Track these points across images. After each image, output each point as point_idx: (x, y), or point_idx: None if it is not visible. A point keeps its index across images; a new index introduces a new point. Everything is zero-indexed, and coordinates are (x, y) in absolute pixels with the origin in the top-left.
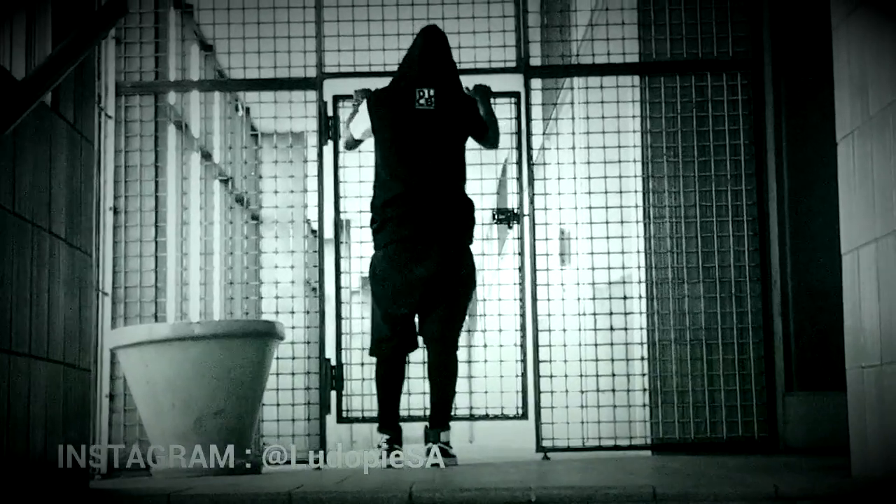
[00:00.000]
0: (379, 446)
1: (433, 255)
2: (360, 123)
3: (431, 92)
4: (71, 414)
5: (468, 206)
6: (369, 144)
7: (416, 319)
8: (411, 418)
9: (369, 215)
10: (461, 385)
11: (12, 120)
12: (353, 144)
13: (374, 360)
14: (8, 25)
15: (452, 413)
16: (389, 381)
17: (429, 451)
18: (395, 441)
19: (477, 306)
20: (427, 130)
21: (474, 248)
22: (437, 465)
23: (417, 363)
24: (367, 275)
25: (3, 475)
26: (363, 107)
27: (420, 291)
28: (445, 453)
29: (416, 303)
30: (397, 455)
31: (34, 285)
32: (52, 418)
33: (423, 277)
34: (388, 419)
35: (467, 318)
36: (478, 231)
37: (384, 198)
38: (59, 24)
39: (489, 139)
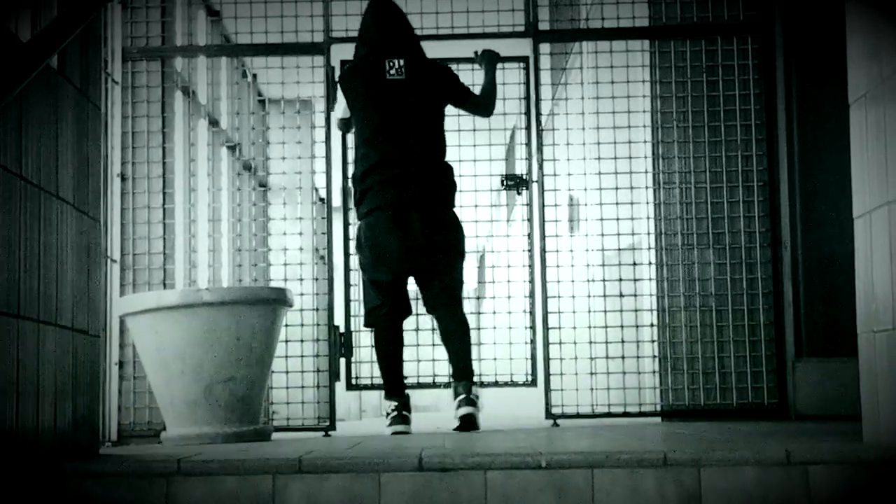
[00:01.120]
0: (387, 414)
1: (415, 222)
2: (340, 103)
3: (401, 62)
4: (80, 380)
5: (446, 170)
6: None
7: (409, 287)
8: (420, 385)
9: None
10: None
11: (18, 82)
12: (344, 126)
13: None
14: None
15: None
16: (389, 348)
17: (461, 403)
18: (403, 408)
19: (485, 273)
20: (400, 100)
21: (480, 214)
22: (470, 415)
23: (425, 330)
24: None
25: (12, 440)
26: (339, 88)
27: (405, 259)
28: (474, 404)
29: (403, 269)
30: (406, 422)
31: (42, 250)
32: (61, 384)
33: (407, 246)
34: (394, 386)
35: (473, 283)
36: (486, 197)
37: (362, 168)
38: None
39: (481, 105)
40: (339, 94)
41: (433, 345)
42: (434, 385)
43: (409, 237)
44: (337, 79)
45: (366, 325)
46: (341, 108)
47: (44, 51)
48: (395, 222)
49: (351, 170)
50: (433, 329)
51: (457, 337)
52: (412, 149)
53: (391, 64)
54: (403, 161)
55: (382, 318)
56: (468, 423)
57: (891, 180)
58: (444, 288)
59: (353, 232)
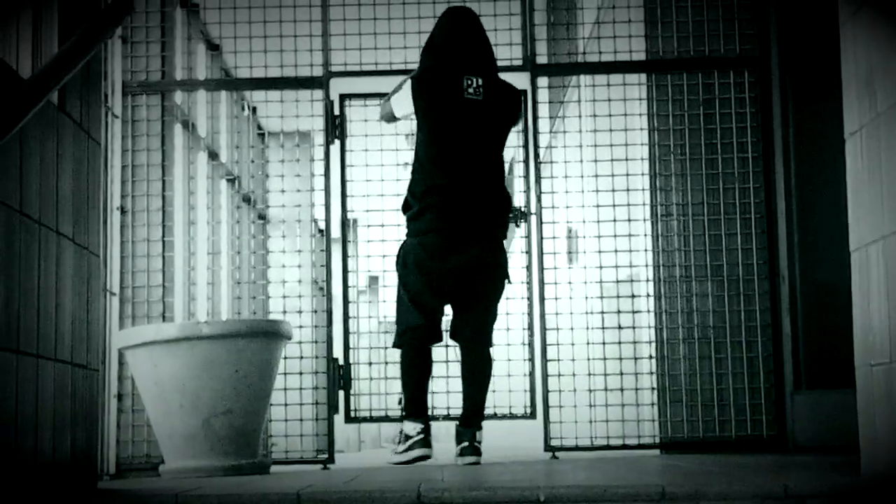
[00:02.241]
0: (405, 437)
1: (471, 249)
2: (403, 103)
3: (480, 81)
4: (79, 414)
5: (507, 202)
6: (374, 142)
7: (446, 314)
8: (433, 417)
9: (404, 199)
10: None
11: (19, 119)
12: (391, 120)
13: (383, 357)
14: (14, 23)
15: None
16: (418, 369)
17: (462, 450)
18: (426, 432)
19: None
20: (474, 121)
21: None
22: (474, 464)
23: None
24: (374, 274)
25: (11, 475)
26: (407, 86)
27: (453, 284)
28: (478, 452)
29: (447, 294)
30: (430, 446)
31: (42, 285)
32: (60, 418)
33: (459, 270)
34: (420, 407)
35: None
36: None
37: (426, 185)
38: (65, 22)
39: (516, 124)
40: (404, 93)
41: (446, 377)
42: (449, 418)
43: (462, 265)
44: (411, 77)
45: (397, 344)
46: (402, 110)
47: (44, 88)
48: (452, 247)
49: (352, 202)
50: (447, 361)
51: (479, 379)
52: (478, 174)
53: (469, 82)
54: (468, 186)
55: (417, 339)
56: None
57: (887, 214)
58: (479, 321)
59: (357, 264)
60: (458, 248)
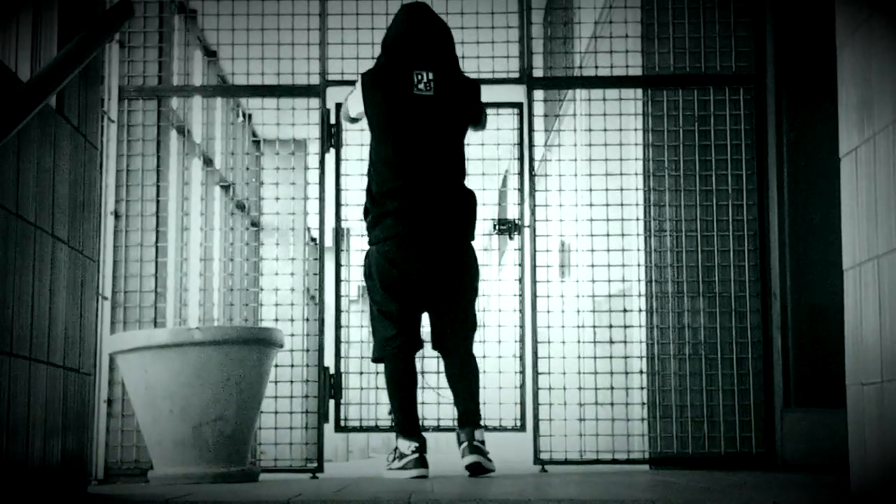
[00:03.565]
0: (400, 455)
1: (435, 254)
2: (356, 102)
3: (430, 76)
4: (70, 418)
5: (470, 199)
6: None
7: (422, 320)
8: (440, 429)
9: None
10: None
11: (17, 122)
12: (350, 120)
13: (373, 368)
14: (14, 26)
15: (452, 424)
16: (404, 382)
17: (465, 451)
18: (422, 450)
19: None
20: (426, 118)
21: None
22: (477, 464)
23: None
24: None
25: (1, 479)
26: (358, 84)
27: (421, 292)
28: (480, 451)
29: (415, 302)
30: (426, 465)
31: (36, 288)
32: (51, 422)
33: (425, 277)
34: (413, 425)
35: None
36: (479, 242)
37: (379, 190)
38: (65, 25)
39: (482, 126)
40: (357, 92)
41: (435, 388)
42: (439, 429)
43: (425, 269)
44: (359, 75)
45: (375, 358)
46: (354, 109)
47: (43, 91)
48: (412, 252)
49: (346, 211)
50: (438, 372)
51: (465, 380)
52: (435, 173)
53: (420, 77)
54: (425, 186)
55: (395, 351)
56: (477, 471)
57: (881, 234)
58: (457, 327)
59: (349, 273)
60: (420, 254)
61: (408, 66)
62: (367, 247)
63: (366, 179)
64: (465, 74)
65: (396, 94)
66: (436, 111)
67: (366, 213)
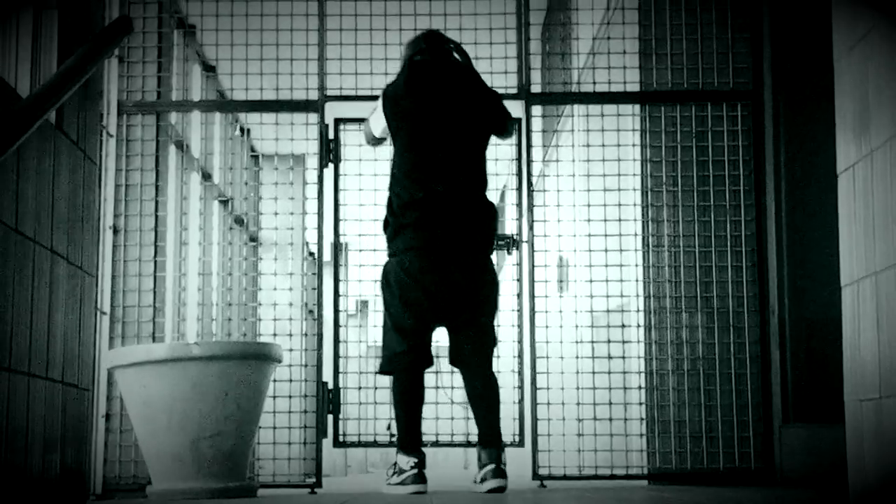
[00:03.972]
0: (399, 471)
1: (455, 266)
2: (378, 120)
3: (454, 88)
4: (69, 433)
5: (491, 212)
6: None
7: (438, 334)
8: (438, 444)
9: (383, 219)
10: (457, 410)
11: (16, 137)
12: (375, 142)
13: (372, 382)
14: (14, 41)
15: (450, 439)
16: (410, 397)
17: (486, 474)
18: (421, 465)
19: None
20: (447, 129)
21: None
22: (499, 489)
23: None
24: (365, 299)
25: (0, 494)
26: (379, 102)
27: (439, 305)
28: (504, 475)
29: (433, 317)
30: (425, 481)
31: (35, 303)
32: (50, 437)
33: (444, 289)
34: (415, 440)
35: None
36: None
37: (401, 201)
38: (64, 41)
39: (509, 132)
40: (378, 112)
41: (445, 402)
42: (452, 444)
43: (445, 283)
44: (381, 94)
45: (382, 371)
46: (380, 128)
47: (42, 106)
48: (433, 265)
49: (344, 226)
50: (451, 387)
51: (487, 398)
52: (457, 185)
53: (442, 90)
54: (447, 199)
55: (406, 364)
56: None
57: (879, 250)
58: (477, 342)
59: (347, 288)
60: (440, 266)
61: (431, 81)
62: (364, 261)
63: (363, 195)
64: (489, 87)
65: (419, 108)
66: (458, 123)
67: (385, 224)
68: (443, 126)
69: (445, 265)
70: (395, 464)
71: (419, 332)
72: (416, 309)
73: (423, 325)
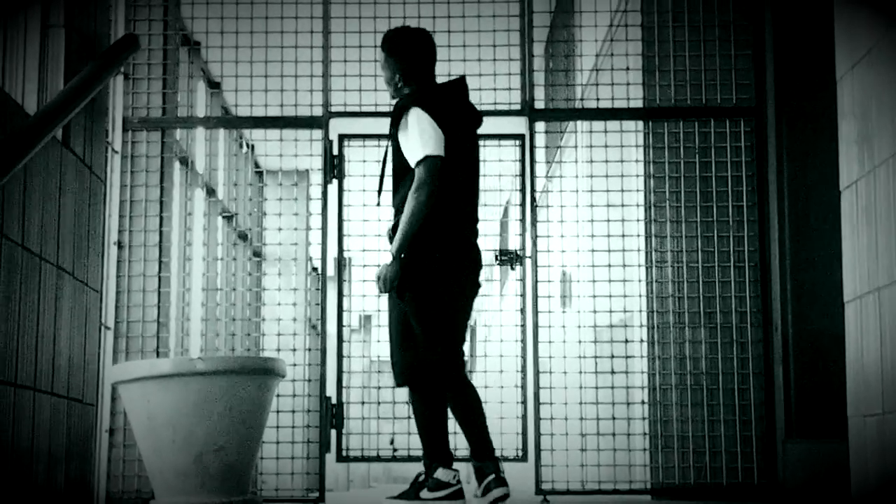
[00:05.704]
0: (445, 485)
1: (472, 290)
2: (433, 135)
3: (471, 114)
4: (73, 447)
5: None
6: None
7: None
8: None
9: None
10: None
11: (23, 154)
12: (441, 162)
13: (374, 397)
14: (21, 59)
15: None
16: (445, 411)
17: (489, 484)
18: (460, 481)
19: (476, 347)
20: (472, 157)
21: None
22: (504, 497)
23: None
24: (368, 314)
25: None
26: (424, 117)
27: (468, 315)
28: (506, 483)
29: (465, 324)
30: (464, 496)
31: (40, 319)
32: (54, 452)
33: (470, 303)
34: (449, 453)
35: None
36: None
37: (449, 221)
38: (71, 59)
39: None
40: (427, 126)
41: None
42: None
43: (471, 296)
44: (414, 106)
45: (422, 383)
46: (438, 144)
47: (49, 124)
48: (469, 289)
49: (348, 242)
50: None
51: (475, 411)
52: (475, 201)
53: (465, 112)
54: (474, 225)
55: (456, 376)
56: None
57: (882, 266)
58: (461, 357)
59: (351, 303)
60: (470, 291)
61: (458, 101)
62: (367, 277)
63: (366, 211)
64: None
65: (456, 129)
66: (475, 149)
67: (430, 232)
68: (469, 154)
69: (471, 288)
70: (435, 477)
71: (462, 342)
72: (463, 318)
73: (461, 332)
